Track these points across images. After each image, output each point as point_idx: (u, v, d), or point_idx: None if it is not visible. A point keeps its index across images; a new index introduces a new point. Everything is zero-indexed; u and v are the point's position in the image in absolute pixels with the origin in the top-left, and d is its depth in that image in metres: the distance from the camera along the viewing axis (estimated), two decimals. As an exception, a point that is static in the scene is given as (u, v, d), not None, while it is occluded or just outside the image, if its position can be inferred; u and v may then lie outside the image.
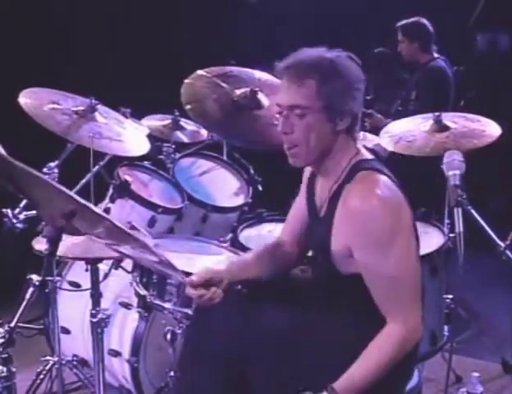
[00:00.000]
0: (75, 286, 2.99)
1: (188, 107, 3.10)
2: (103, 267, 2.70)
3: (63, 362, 2.77)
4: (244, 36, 5.66)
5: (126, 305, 2.87)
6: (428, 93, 4.49)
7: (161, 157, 3.54)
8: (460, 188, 1.98)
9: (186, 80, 3.16)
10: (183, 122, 3.87)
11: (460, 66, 5.10)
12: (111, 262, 2.73)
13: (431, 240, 2.76)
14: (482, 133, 2.87)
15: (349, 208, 1.96)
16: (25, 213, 2.92)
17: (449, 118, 2.97)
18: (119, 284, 2.91)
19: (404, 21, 4.68)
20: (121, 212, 3.02)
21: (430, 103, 4.23)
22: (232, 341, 2.06)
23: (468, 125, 2.94)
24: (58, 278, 2.81)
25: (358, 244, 1.97)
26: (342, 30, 5.13)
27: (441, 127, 2.91)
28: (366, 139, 3.53)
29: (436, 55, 4.65)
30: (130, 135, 2.94)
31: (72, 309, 2.96)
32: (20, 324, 1.94)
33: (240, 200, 3.48)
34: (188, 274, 2.13)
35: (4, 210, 2.93)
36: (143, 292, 2.61)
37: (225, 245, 2.92)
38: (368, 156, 2.09)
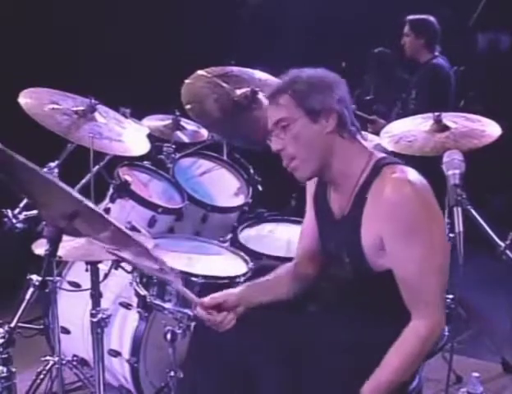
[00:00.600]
0: (75, 286, 2.99)
1: (188, 107, 3.10)
2: (103, 267, 2.69)
3: (63, 362, 2.76)
4: (244, 36, 5.66)
5: (126, 305, 2.87)
6: (428, 91, 4.49)
7: (161, 157, 3.53)
8: (460, 187, 1.98)
9: (186, 80, 3.17)
10: (183, 122, 3.86)
11: (460, 66, 5.10)
12: (111, 262, 2.73)
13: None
14: (482, 133, 2.87)
15: (381, 198, 1.97)
16: (25, 213, 2.90)
17: (449, 118, 2.97)
18: (119, 284, 2.91)
19: (414, 16, 4.68)
20: (121, 212, 3.02)
21: (429, 100, 4.23)
22: (245, 349, 2.06)
23: (468, 125, 2.94)
24: (58, 278, 2.81)
25: (391, 231, 1.96)
26: (342, 31, 5.12)
27: (441, 127, 2.91)
28: (366, 140, 3.53)
29: (436, 54, 4.66)
30: (130, 135, 2.93)
31: (72, 309, 2.96)
32: (20, 324, 1.93)
33: (240, 200, 3.47)
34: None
35: (4, 210, 2.92)
36: (143, 292, 2.61)
37: (225, 245, 2.92)
38: (383, 154, 2.12)
